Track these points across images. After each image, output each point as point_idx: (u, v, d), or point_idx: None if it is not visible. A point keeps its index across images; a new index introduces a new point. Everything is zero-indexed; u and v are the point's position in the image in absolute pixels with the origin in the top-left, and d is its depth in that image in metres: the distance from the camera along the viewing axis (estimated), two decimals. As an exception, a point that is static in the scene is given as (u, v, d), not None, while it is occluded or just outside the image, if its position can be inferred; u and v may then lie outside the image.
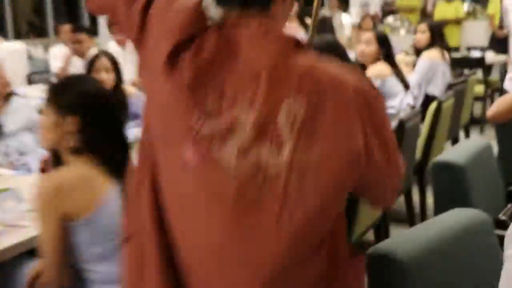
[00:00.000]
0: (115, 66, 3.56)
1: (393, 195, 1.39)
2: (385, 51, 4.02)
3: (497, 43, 7.63)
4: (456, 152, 2.45)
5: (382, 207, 1.79)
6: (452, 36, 7.94)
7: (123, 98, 3.51)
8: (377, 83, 3.65)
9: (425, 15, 9.42)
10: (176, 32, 1.16)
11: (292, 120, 1.13)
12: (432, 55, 4.76)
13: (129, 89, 3.80)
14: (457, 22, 8.25)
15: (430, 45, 4.84)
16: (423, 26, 5.01)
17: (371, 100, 1.21)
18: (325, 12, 9.02)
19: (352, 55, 6.39)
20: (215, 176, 1.14)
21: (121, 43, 5.61)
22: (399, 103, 3.88)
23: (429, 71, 4.66)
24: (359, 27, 7.68)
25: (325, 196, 1.16)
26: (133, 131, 2.96)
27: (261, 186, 1.13)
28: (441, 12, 8.34)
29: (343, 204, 1.27)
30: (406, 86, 4.02)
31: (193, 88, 1.15)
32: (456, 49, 7.63)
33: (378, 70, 3.94)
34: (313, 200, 1.15)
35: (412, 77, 4.63)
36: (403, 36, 8.43)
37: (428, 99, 4.43)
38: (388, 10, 10.02)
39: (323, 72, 1.19)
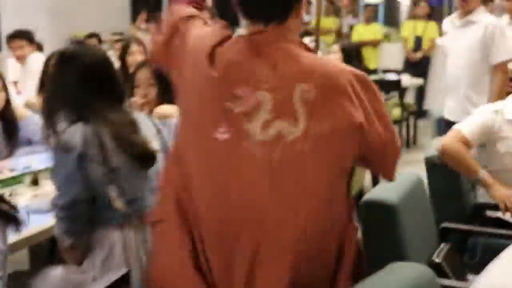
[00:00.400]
0: (4, 85, 3.24)
1: (394, 165, 1.65)
2: None
3: (411, 67, 7.72)
4: (386, 189, 2.28)
5: (387, 178, 1.76)
6: (370, 58, 8.02)
7: (13, 120, 3.25)
8: None
9: (340, 36, 9.47)
10: (213, 37, 1.58)
11: (305, 101, 1.48)
12: None
13: (22, 111, 3.54)
14: (375, 44, 8.28)
15: None
16: (336, 48, 5.01)
17: (366, 82, 1.56)
18: (240, 31, 8.92)
19: None
20: (244, 143, 1.49)
21: (20, 59, 5.50)
22: None
23: None
24: None
25: (335, 158, 1.52)
26: (23, 160, 2.90)
27: (281, 149, 1.48)
28: (359, 34, 8.39)
29: (350, 168, 1.63)
30: None
31: (225, 79, 1.53)
32: (375, 71, 7.64)
33: None
34: (327, 160, 1.50)
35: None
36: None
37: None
38: (304, 31, 9.95)
39: (326, 63, 1.62)
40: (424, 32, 8.09)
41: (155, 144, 2.18)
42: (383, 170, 1.72)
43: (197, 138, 1.58)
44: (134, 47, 4.31)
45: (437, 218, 2.76)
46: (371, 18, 8.59)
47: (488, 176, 2.73)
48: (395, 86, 6.41)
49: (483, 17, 3.93)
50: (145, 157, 2.08)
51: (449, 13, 11.41)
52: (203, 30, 1.66)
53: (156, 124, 2.33)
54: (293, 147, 1.48)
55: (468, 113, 3.56)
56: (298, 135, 1.47)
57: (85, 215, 2.02)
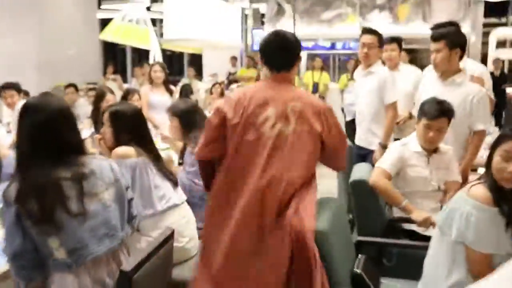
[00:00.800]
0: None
1: (343, 160, 2.72)
2: None
3: None
4: (318, 217, 2.44)
5: (338, 170, 3.08)
6: None
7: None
8: None
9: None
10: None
11: (294, 112, 2.51)
12: None
13: (5, 151, 4.21)
14: None
15: None
16: None
17: (330, 110, 2.62)
18: (185, 80, 11.05)
19: (207, 113, 7.99)
20: (262, 138, 2.50)
21: (11, 105, 6.04)
22: None
23: None
24: (210, 92, 9.16)
25: (310, 147, 2.54)
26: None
27: (282, 140, 2.50)
28: None
29: (318, 155, 2.61)
30: None
31: (253, 107, 2.55)
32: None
33: None
34: (307, 147, 2.53)
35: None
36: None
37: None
38: (232, 79, 12.02)
39: (310, 95, 2.93)
40: (319, 80, 10.65)
41: (107, 194, 2.19)
42: (336, 163, 2.75)
43: (241, 135, 2.55)
44: (109, 96, 4.84)
45: (359, 231, 3.20)
46: None
47: (408, 203, 3.12)
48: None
49: (378, 68, 4.43)
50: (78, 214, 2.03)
51: (334, 67, 14.21)
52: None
53: (116, 172, 2.29)
54: (287, 138, 2.50)
55: (370, 141, 4.48)
56: (290, 132, 2.50)
57: (31, 262, 1.99)
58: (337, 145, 2.64)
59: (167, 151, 4.61)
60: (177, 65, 18.46)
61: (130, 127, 2.93)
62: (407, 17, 10.76)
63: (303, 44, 10.51)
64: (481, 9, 10.49)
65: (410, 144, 3.28)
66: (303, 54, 14.14)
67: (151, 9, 11.79)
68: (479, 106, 3.62)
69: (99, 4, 13.46)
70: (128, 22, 9.57)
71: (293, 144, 2.51)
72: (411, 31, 10.42)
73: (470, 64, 4.55)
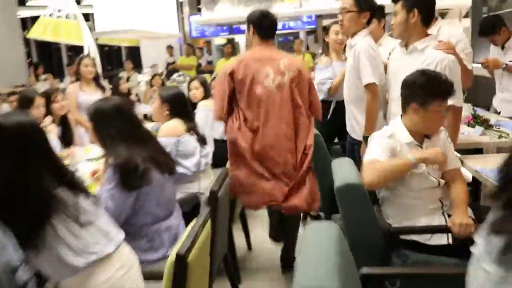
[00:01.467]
0: None
1: (320, 110, 3.47)
2: (178, 108, 3.52)
3: None
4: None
5: (318, 118, 3.51)
6: None
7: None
8: (172, 141, 3.40)
9: (199, 71, 10.90)
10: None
11: (285, 66, 3.29)
12: (207, 103, 4.57)
13: None
14: None
15: (205, 97, 4.80)
16: (196, 83, 4.88)
17: (309, 74, 3.57)
18: (122, 74, 10.24)
19: (147, 109, 7.37)
20: (268, 90, 3.25)
21: None
22: (197, 162, 3.52)
23: (207, 118, 4.40)
24: (150, 84, 8.44)
25: (305, 89, 3.35)
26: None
27: (282, 87, 3.26)
28: (221, 66, 9.15)
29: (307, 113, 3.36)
30: (203, 141, 3.62)
31: (254, 66, 3.30)
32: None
33: (171, 128, 3.45)
34: (303, 90, 3.33)
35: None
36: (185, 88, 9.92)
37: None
38: (171, 69, 11.31)
39: (287, 54, 3.54)
40: None
41: None
42: (316, 111, 3.44)
43: (253, 92, 3.28)
44: (38, 100, 4.20)
45: (351, 246, 1.84)
46: (230, 53, 9.59)
47: (417, 153, 2.45)
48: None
49: (358, 40, 3.45)
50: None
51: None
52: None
53: None
54: (285, 86, 3.27)
55: (353, 130, 3.64)
56: (286, 81, 3.28)
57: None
58: (317, 97, 3.52)
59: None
60: (116, 59, 17.50)
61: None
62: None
63: (241, 27, 10.04)
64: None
65: (399, 135, 2.55)
66: (241, 38, 13.53)
67: (82, 3, 11.01)
68: None
69: (22, 2, 12.37)
70: (58, 18, 8.86)
71: (291, 89, 3.31)
72: None
73: (446, 28, 3.74)
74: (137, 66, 14.53)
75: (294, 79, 3.30)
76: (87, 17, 10.37)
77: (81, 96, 5.21)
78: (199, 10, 11.87)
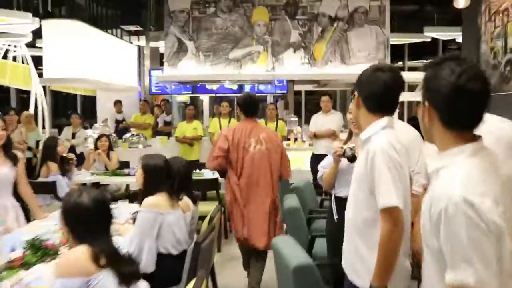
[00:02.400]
0: None
1: (290, 173, 4.42)
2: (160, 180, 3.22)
3: None
4: None
5: (286, 177, 4.43)
6: (192, 151, 8.06)
7: None
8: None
9: (156, 131, 9.60)
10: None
11: (265, 139, 4.23)
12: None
13: None
14: (196, 139, 8.13)
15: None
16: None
17: (284, 149, 4.45)
18: (67, 129, 8.64)
19: (89, 175, 6.09)
20: (250, 155, 4.18)
21: None
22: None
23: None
24: (95, 147, 6.80)
25: (276, 158, 4.26)
26: None
27: (261, 155, 4.20)
28: (182, 130, 8.22)
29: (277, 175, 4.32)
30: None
31: (243, 137, 4.23)
32: (196, 161, 7.77)
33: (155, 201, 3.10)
34: (274, 157, 4.25)
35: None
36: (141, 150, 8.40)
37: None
38: (121, 128, 9.91)
39: (268, 129, 4.86)
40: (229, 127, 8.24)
41: None
42: (288, 172, 4.38)
43: (238, 154, 4.20)
44: None
45: None
46: (192, 116, 8.33)
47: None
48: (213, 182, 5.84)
49: (371, 133, 3.08)
50: None
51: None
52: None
53: None
54: (263, 153, 4.20)
55: (355, 271, 2.56)
56: (264, 149, 4.20)
57: None
58: (287, 163, 4.44)
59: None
60: (72, 107, 15.79)
61: None
62: (324, 57, 9.00)
63: (207, 86, 9.76)
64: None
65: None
66: (205, 98, 12.15)
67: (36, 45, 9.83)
68: None
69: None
70: (3, 59, 8.26)
71: (267, 155, 4.27)
72: (328, 72, 8.94)
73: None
74: (92, 117, 13.06)
75: (270, 148, 4.27)
76: (40, 60, 8.90)
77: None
78: (162, 64, 10.41)
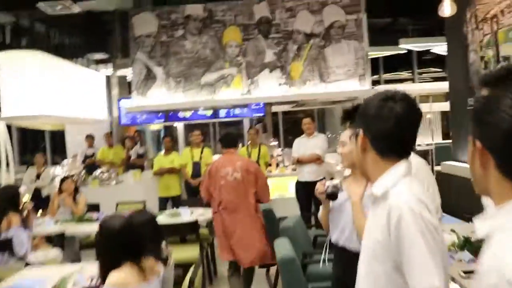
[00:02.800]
0: None
1: (268, 196, 4.92)
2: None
3: (191, 191, 7.40)
4: None
5: (263, 201, 4.90)
6: (173, 186, 7.54)
7: None
8: None
9: (129, 165, 8.94)
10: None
11: (241, 167, 4.72)
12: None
13: None
14: (175, 171, 7.54)
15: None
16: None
17: (259, 171, 4.93)
18: (30, 170, 7.92)
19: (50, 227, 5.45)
20: (228, 183, 4.69)
21: None
22: None
23: None
24: (59, 190, 6.07)
25: (251, 184, 4.71)
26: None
27: (237, 183, 4.69)
28: (160, 163, 7.59)
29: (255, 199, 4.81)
30: None
31: (220, 168, 4.77)
32: (178, 196, 7.38)
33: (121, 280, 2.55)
34: (251, 185, 4.72)
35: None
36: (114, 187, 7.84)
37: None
38: (89, 163, 9.21)
39: (244, 158, 5.81)
40: (200, 158, 7.47)
41: None
42: (264, 197, 4.81)
43: (219, 182, 4.67)
44: None
45: None
46: (170, 148, 7.70)
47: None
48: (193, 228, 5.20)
49: (388, 184, 3.15)
50: None
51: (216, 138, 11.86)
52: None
53: None
54: (238, 181, 4.62)
55: None
56: (239, 177, 4.62)
57: None
58: (264, 188, 4.84)
59: None
60: (35, 143, 14.89)
61: None
62: (301, 76, 8.43)
63: (180, 114, 9.58)
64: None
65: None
66: (180, 125, 11.45)
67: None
68: None
69: None
70: None
71: (243, 183, 4.67)
72: (307, 91, 8.36)
73: None
74: (61, 152, 12.29)
75: (244, 175, 4.68)
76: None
77: None
78: (131, 92, 9.61)
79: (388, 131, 1.58)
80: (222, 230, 4.69)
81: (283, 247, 3.53)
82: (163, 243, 3.08)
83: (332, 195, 2.52)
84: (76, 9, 7.06)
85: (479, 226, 1.11)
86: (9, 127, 12.51)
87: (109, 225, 2.53)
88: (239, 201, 4.65)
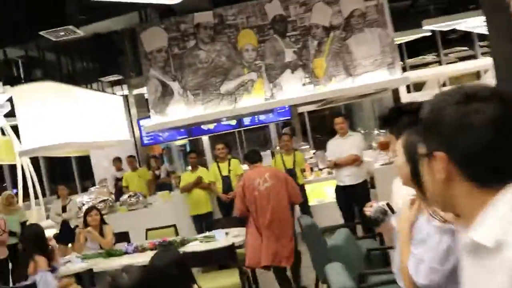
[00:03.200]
0: None
1: (299, 197, 5.35)
2: None
3: (224, 208, 7.05)
4: None
5: (296, 202, 5.42)
6: (203, 203, 7.11)
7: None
8: None
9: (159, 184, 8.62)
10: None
11: (270, 176, 5.03)
12: None
13: None
14: (202, 184, 7.10)
15: None
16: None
17: (287, 175, 5.40)
18: (56, 203, 7.56)
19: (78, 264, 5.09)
20: (259, 193, 4.99)
21: None
22: None
23: None
24: (84, 223, 5.63)
25: (283, 188, 5.02)
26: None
27: (267, 192, 4.97)
28: (186, 181, 7.21)
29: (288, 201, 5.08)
30: None
31: (252, 179, 5.09)
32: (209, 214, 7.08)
33: None
34: (282, 189, 5.01)
35: None
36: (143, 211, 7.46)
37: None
38: (120, 186, 8.74)
39: (272, 168, 6.35)
40: (229, 171, 7.07)
41: None
42: (296, 198, 5.19)
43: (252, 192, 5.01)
44: None
45: None
46: (196, 164, 7.34)
47: None
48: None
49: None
50: None
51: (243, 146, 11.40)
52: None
53: None
54: (269, 189, 4.96)
55: None
56: (269, 186, 4.96)
57: None
58: (294, 190, 5.12)
59: None
60: (65, 172, 14.66)
61: None
62: (326, 72, 7.84)
63: (203, 127, 9.24)
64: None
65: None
66: (205, 138, 10.96)
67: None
68: None
69: None
70: None
71: (274, 191, 4.93)
72: (334, 88, 7.80)
73: None
74: (89, 178, 12.03)
75: (275, 183, 4.95)
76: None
77: None
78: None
79: (487, 145, 1.02)
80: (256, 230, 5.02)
81: (336, 275, 2.97)
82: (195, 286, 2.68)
83: (377, 222, 2.17)
84: (80, 33, 6.67)
85: (480, 237, 1.01)
86: (36, 159, 12.33)
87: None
88: (274, 204, 4.94)
